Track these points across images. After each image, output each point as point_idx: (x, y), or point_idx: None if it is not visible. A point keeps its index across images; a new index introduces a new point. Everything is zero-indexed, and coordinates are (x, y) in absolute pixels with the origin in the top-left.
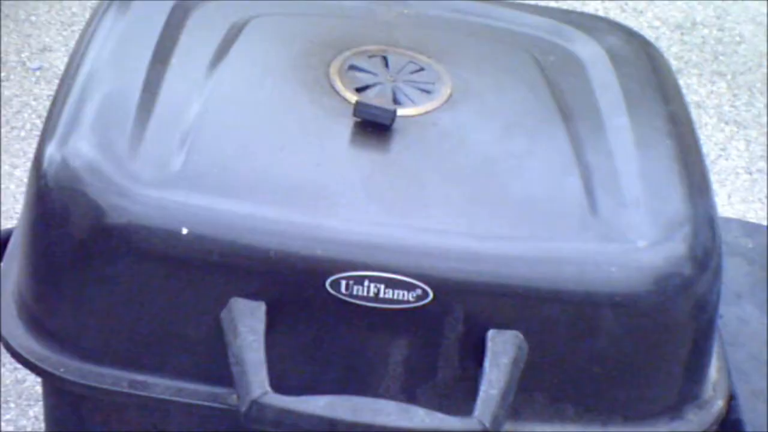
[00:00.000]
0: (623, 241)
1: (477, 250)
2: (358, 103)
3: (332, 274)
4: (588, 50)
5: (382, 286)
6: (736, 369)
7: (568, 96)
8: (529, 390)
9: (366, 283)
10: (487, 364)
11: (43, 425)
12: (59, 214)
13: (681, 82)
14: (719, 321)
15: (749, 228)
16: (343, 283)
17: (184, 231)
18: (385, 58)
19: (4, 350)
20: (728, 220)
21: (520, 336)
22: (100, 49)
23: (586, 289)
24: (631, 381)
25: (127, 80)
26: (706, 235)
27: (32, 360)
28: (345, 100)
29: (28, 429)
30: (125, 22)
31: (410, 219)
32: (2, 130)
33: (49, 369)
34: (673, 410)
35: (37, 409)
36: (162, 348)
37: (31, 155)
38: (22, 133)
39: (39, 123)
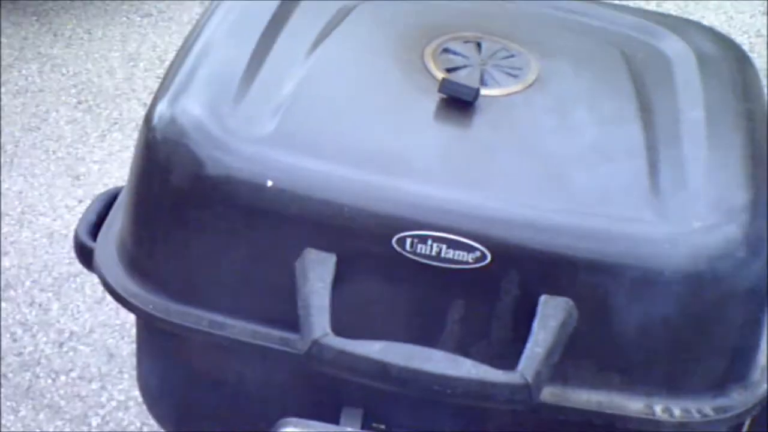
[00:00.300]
0: (680, 221)
1: (536, 219)
2: (443, 80)
3: (399, 231)
4: (675, 49)
5: (444, 246)
6: None
7: (649, 88)
8: (577, 357)
9: (429, 242)
10: (535, 325)
11: None
12: (163, 165)
13: None
14: None
15: None
16: (408, 240)
17: (269, 183)
18: (479, 44)
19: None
20: None
21: (571, 303)
22: (216, 25)
23: (638, 264)
24: (678, 356)
25: (237, 52)
26: (762, 225)
27: (126, 297)
28: (434, 78)
29: (139, 401)
30: (239, 6)
31: (477, 187)
32: None
33: (141, 306)
34: (718, 388)
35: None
36: (240, 292)
37: None
38: None
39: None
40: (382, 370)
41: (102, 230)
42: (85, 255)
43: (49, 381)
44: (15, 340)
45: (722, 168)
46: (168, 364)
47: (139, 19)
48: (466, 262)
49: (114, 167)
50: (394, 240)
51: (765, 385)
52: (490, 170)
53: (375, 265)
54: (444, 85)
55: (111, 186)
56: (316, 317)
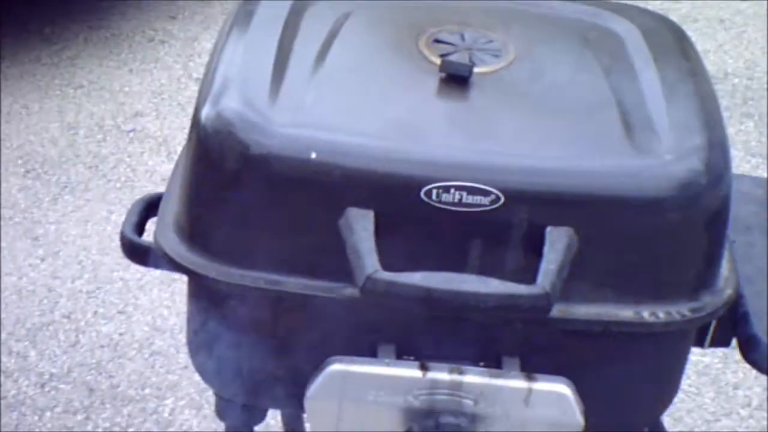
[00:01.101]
0: (652, 156)
1: (538, 164)
2: (443, 61)
3: (425, 185)
4: (623, 27)
5: (464, 193)
6: (744, 278)
7: (607, 59)
8: (577, 278)
9: (452, 191)
10: (546, 248)
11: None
12: (215, 151)
13: None
14: (733, 246)
15: (759, 182)
16: (434, 192)
17: (313, 155)
18: (462, 34)
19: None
20: (741, 175)
21: (572, 231)
22: (236, 38)
23: (623, 193)
24: (658, 269)
25: (260, 58)
26: (720, 156)
27: (191, 267)
28: (432, 62)
29: (124, 425)
30: (254, 19)
31: (485, 143)
32: (100, 182)
33: (203, 272)
34: (692, 294)
35: (131, 408)
36: (291, 252)
37: (126, 203)
38: (118, 185)
39: (132, 176)
40: (425, 293)
41: (157, 223)
42: (135, 251)
43: (35, 418)
44: None
45: (680, 114)
46: (220, 322)
47: (72, 90)
48: (484, 205)
49: (70, 226)
50: (422, 192)
51: (728, 291)
52: (493, 128)
53: (408, 216)
54: (444, 65)
55: (70, 244)
56: (366, 258)
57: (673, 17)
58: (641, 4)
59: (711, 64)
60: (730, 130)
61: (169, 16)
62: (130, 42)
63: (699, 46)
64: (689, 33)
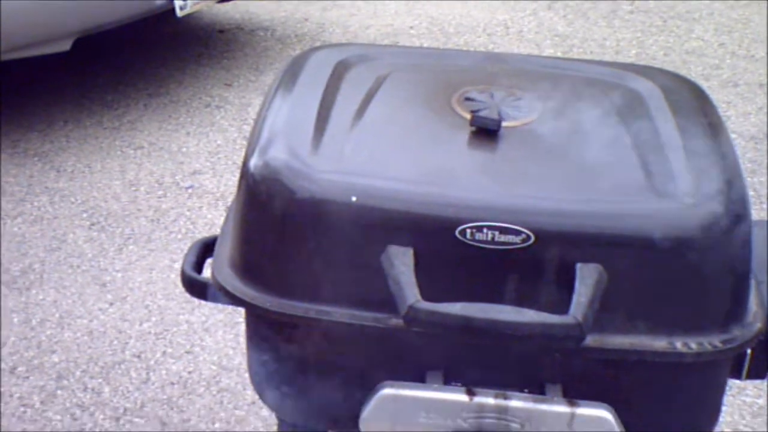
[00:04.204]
0: (674, 201)
1: (564, 206)
2: (473, 116)
3: (460, 225)
4: (644, 86)
5: (497, 233)
6: None
7: (627, 113)
8: (609, 310)
9: (485, 230)
10: (577, 283)
11: None
12: (263, 196)
13: (752, 180)
14: (760, 286)
15: None
16: (468, 231)
17: (353, 199)
18: (491, 93)
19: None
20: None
21: (601, 268)
22: (283, 95)
23: (646, 235)
24: (687, 304)
25: (304, 113)
26: (738, 200)
27: (246, 299)
28: (463, 117)
29: None
30: (300, 77)
31: (515, 187)
32: (161, 234)
33: (259, 304)
34: (722, 326)
35: None
36: (338, 286)
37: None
38: (179, 236)
39: (192, 228)
40: (464, 322)
41: (214, 261)
42: (194, 287)
43: None
44: (75, 419)
45: (699, 162)
46: (276, 351)
47: (133, 151)
48: (515, 244)
49: (136, 274)
50: (457, 232)
51: (758, 324)
52: (522, 174)
53: (444, 253)
54: (474, 119)
55: (136, 289)
56: (407, 289)
57: (715, 82)
58: (689, 68)
59: (752, 125)
60: None
61: (224, 84)
62: (187, 107)
63: (740, 109)
64: (731, 97)
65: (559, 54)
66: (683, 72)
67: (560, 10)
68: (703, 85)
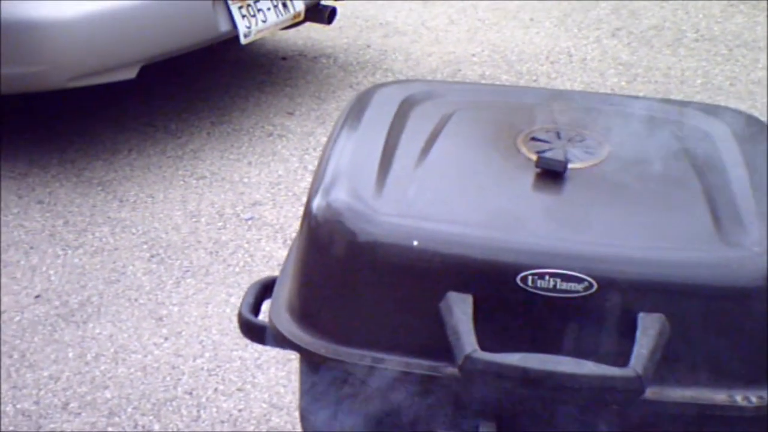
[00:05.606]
0: (741, 250)
1: (628, 254)
2: (539, 157)
3: (521, 271)
4: (712, 125)
5: (559, 280)
6: None
7: (698, 157)
8: (670, 362)
9: (547, 278)
10: (638, 333)
11: None
12: (325, 239)
13: None
14: None
15: None
16: (530, 278)
17: (415, 243)
18: (558, 133)
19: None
20: None
21: (664, 318)
22: (347, 134)
23: (715, 283)
24: (750, 355)
25: (368, 153)
26: None
27: (302, 345)
28: (529, 158)
29: None
30: (365, 116)
31: (578, 233)
32: (220, 267)
33: (313, 350)
34: None
35: None
36: (395, 333)
37: (244, 287)
38: (237, 269)
39: (250, 261)
40: (522, 373)
41: (272, 304)
42: (251, 330)
43: None
44: None
45: (766, 210)
46: (329, 397)
47: (195, 181)
48: (577, 291)
49: (192, 308)
50: (518, 278)
51: None
52: (586, 219)
53: (504, 300)
54: (540, 161)
55: (192, 324)
56: (465, 338)
57: None
58: (754, 99)
59: None
60: None
61: (287, 112)
62: (250, 136)
63: None
64: None
65: (623, 83)
66: (748, 103)
67: (624, 38)
68: None
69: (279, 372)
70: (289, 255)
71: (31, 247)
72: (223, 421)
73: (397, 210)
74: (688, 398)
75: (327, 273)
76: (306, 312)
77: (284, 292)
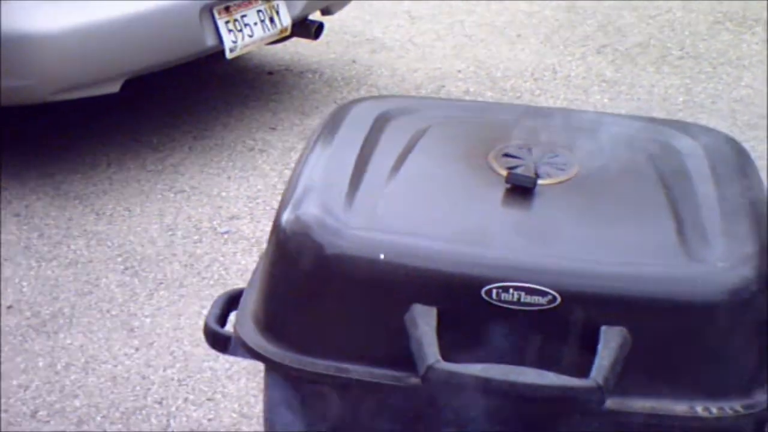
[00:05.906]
0: (705, 265)
1: (593, 268)
2: (509, 173)
3: (486, 285)
4: (685, 144)
5: (523, 293)
6: None
7: (667, 173)
8: (631, 373)
9: (511, 291)
10: (600, 346)
11: None
12: (294, 251)
13: None
14: None
15: None
16: (494, 291)
17: (382, 256)
18: (529, 149)
19: None
20: None
21: (626, 331)
22: (320, 149)
23: (676, 299)
24: (711, 368)
25: (340, 168)
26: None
27: (266, 355)
28: (499, 174)
29: None
30: (339, 131)
31: (544, 247)
32: (194, 280)
33: (279, 360)
34: (745, 391)
35: None
36: (359, 343)
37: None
38: (211, 282)
39: (225, 274)
40: (484, 383)
41: (237, 314)
42: (217, 340)
43: None
44: None
45: (733, 225)
46: (294, 407)
47: (173, 195)
48: (541, 305)
49: (164, 319)
50: (483, 292)
51: None
52: (552, 234)
53: (468, 313)
54: (510, 177)
55: (163, 335)
56: (427, 349)
57: (761, 132)
58: (735, 117)
59: None
60: None
61: (269, 127)
62: (231, 151)
63: None
64: None
65: (606, 100)
66: (729, 121)
67: (609, 54)
68: (749, 134)
69: (250, 383)
70: (257, 267)
71: (5, 259)
72: (192, 430)
73: (366, 224)
74: (649, 409)
75: (294, 284)
76: (271, 322)
77: (251, 303)
